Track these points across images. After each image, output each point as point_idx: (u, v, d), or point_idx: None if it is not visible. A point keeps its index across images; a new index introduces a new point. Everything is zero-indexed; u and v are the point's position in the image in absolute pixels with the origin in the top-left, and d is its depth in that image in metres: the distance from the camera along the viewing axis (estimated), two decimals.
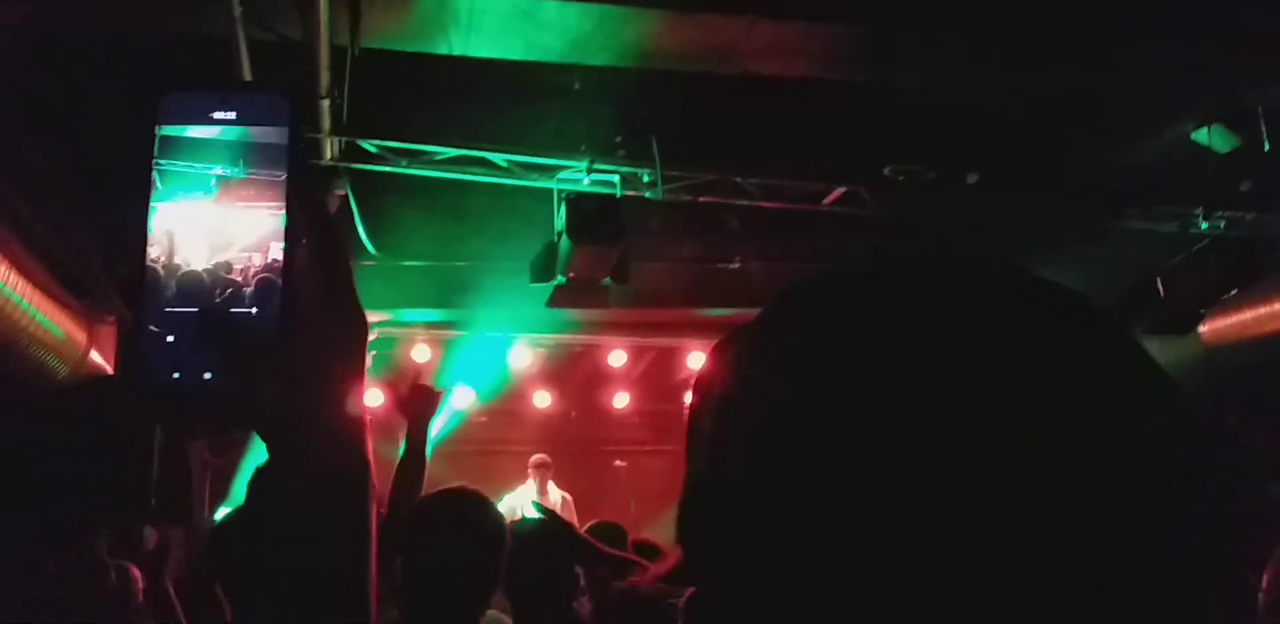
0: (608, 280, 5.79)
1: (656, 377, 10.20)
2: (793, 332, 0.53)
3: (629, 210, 6.02)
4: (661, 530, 10.02)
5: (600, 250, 5.45)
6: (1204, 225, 6.53)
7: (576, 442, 10.48)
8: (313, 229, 0.79)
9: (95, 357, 6.04)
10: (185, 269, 0.76)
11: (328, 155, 5.31)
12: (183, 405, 0.75)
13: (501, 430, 10.44)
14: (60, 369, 5.61)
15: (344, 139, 5.32)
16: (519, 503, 8.53)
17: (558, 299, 5.93)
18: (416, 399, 3.19)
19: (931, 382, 0.47)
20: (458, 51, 4.96)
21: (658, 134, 5.66)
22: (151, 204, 0.77)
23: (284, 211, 0.79)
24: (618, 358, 9.19)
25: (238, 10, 4.11)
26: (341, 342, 0.77)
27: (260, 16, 4.23)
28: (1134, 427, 0.48)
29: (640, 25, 4.81)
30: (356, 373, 0.77)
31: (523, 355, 8.98)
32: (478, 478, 10.10)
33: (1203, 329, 7.41)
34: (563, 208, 5.42)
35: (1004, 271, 0.54)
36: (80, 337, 5.78)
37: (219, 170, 0.81)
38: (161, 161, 0.79)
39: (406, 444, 3.19)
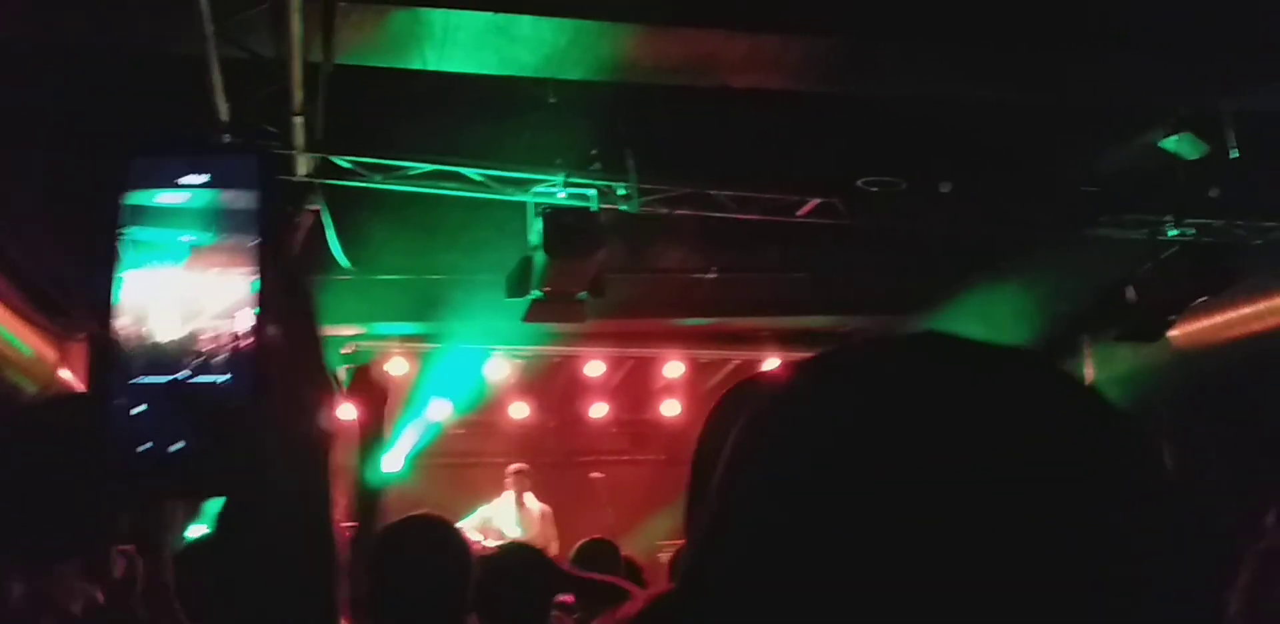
0: (584, 294, 5.78)
1: (635, 386, 10.20)
2: (822, 409, 0.56)
3: (604, 222, 6.02)
4: (640, 539, 10.03)
5: (576, 265, 5.44)
6: (1173, 232, 6.61)
7: (555, 452, 10.45)
8: (284, 293, 0.79)
9: (65, 374, 5.97)
10: (153, 340, 0.76)
11: (301, 171, 5.27)
12: (152, 476, 0.75)
13: (479, 442, 10.40)
14: (29, 386, 5.55)
15: (318, 155, 5.29)
16: (495, 514, 8.50)
17: (534, 314, 5.92)
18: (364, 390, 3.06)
19: (942, 463, 0.50)
20: (432, 66, 4.95)
21: (633, 147, 5.67)
22: (117, 275, 0.76)
23: (256, 277, 0.78)
24: (595, 368, 9.18)
25: (209, 28, 4.08)
26: (310, 405, 0.77)
27: (232, 34, 4.20)
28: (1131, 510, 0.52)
29: (615, 40, 4.82)
30: (325, 434, 0.77)
31: (499, 367, 8.95)
32: (455, 490, 10.05)
33: (1174, 333, 7.51)
34: (538, 222, 5.40)
35: (986, 354, 0.58)
36: (50, 354, 5.71)
37: (189, 237, 0.80)
38: (129, 230, 0.78)
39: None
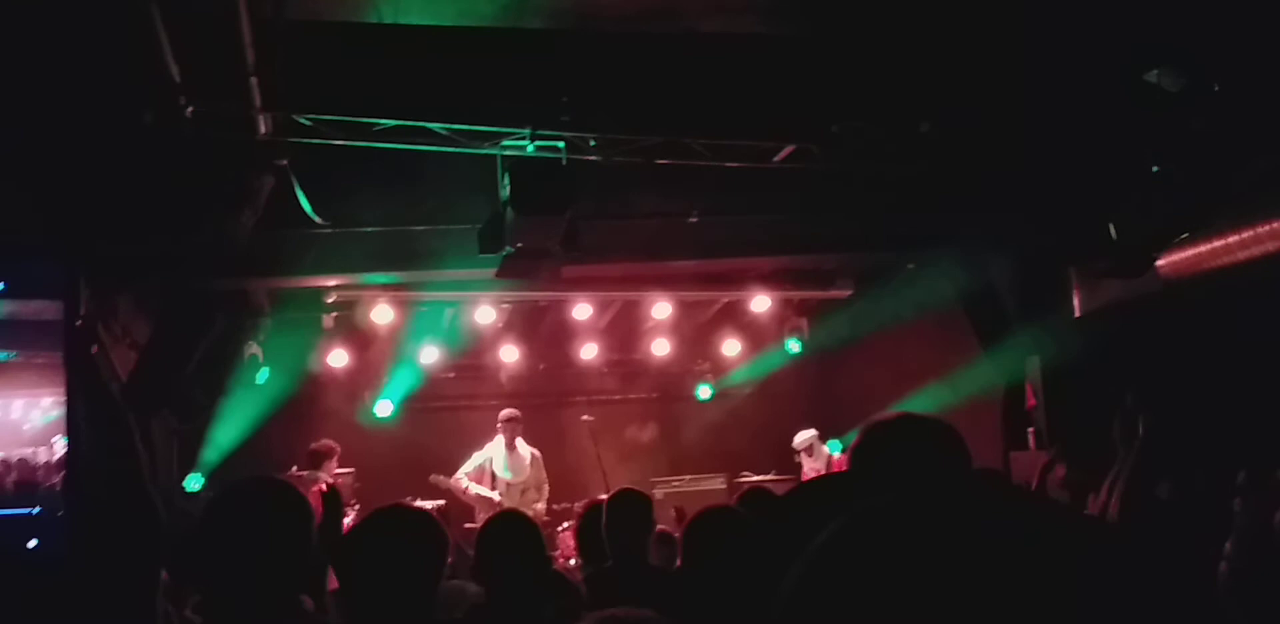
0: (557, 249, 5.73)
1: (623, 327, 10.22)
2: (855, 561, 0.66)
3: (581, 167, 5.93)
4: (632, 475, 10.20)
5: (547, 220, 5.38)
6: (1154, 167, 6.52)
7: (545, 394, 10.54)
8: (97, 418, 0.78)
9: None
10: None
11: (261, 130, 5.18)
12: None
13: (469, 386, 10.48)
14: None
15: (279, 113, 5.19)
16: (487, 459, 8.62)
17: (507, 269, 5.88)
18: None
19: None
20: (389, 20, 4.81)
21: (603, 97, 5.55)
22: None
23: (65, 401, 0.77)
24: (583, 311, 9.19)
25: None
26: (135, 533, 0.77)
27: None
28: None
29: None
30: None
31: (486, 312, 8.96)
32: (446, 434, 10.17)
33: (1161, 263, 7.48)
34: (507, 177, 5.32)
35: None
36: None
37: None
38: None
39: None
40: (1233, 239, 7.18)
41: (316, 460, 7.79)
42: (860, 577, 0.64)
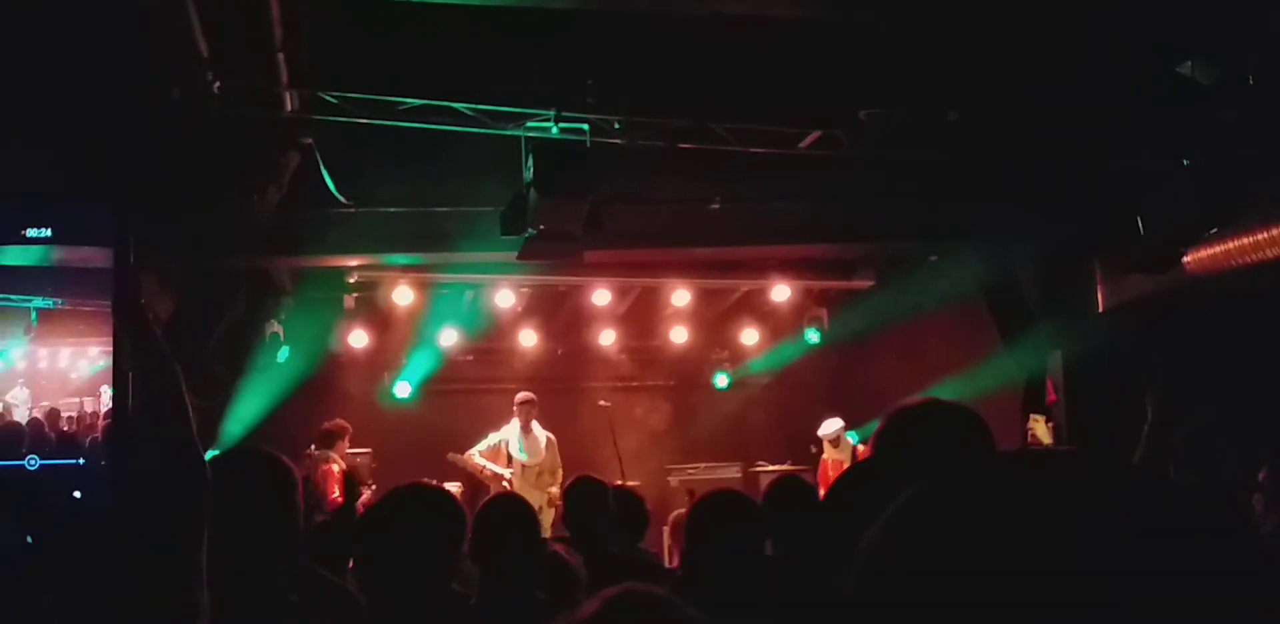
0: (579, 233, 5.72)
1: (641, 314, 10.22)
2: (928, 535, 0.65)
3: (604, 152, 5.92)
4: (649, 463, 10.19)
5: (570, 202, 5.36)
6: (1184, 161, 6.44)
7: (563, 379, 10.55)
8: (140, 364, 0.78)
9: None
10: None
11: (287, 107, 5.18)
12: None
13: (487, 369, 10.51)
14: None
15: (305, 91, 5.19)
16: (502, 441, 8.66)
17: (529, 251, 5.87)
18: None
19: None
20: None
21: (628, 80, 5.52)
22: None
23: (110, 351, 0.76)
24: (602, 297, 9.18)
25: None
26: (180, 487, 0.77)
27: None
28: None
29: None
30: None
31: (506, 296, 8.97)
32: (463, 416, 10.19)
33: (1186, 259, 7.40)
34: (530, 158, 5.31)
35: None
36: None
37: (34, 303, 0.78)
38: None
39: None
40: (1262, 236, 7.09)
41: (329, 440, 7.87)
42: (943, 541, 0.63)
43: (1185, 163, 6.44)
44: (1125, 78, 5.98)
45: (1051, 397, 7.88)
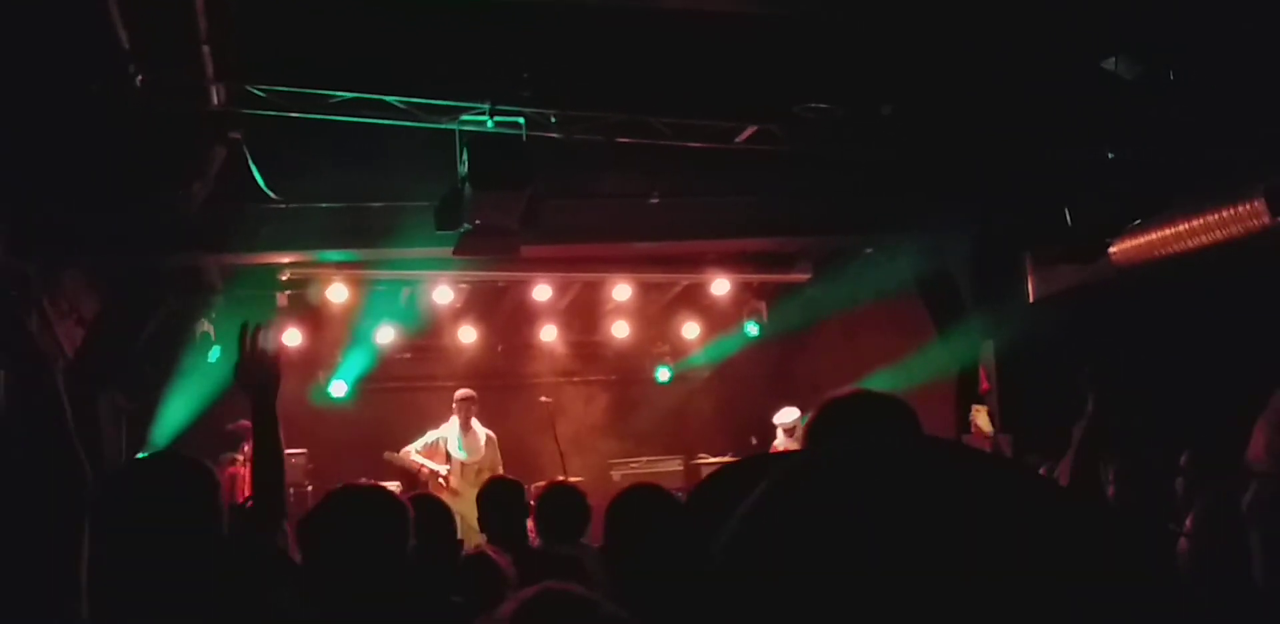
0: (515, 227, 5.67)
1: (583, 309, 10.19)
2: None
3: (541, 146, 5.87)
4: (592, 458, 10.17)
5: (506, 196, 5.31)
6: (1109, 154, 6.60)
7: (504, 376, 10.48)
8: (10, 364, 0.74)
9: None
10: None
11: (214, 101, 5.05)
12: None
13: (425, 367, 10.39)
14: None
15: (231, 84, 5.06)
16: (441, 438, 8.57)
17: (465, 246, 5.81)
18: (252, 367, 2.81)
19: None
20: None
21: (565, 73, 5.48)
22: None
23: None
24: (542, 292, 9.13)
25: None
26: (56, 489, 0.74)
27: None
28: None
29: None
30: None
31: (444, 292, 8.87)
32: (401, 414, 10.08)
33: (1114, 250, 7.60)
34: (465, 152, 5.24)
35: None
36: None
37: None
38: None
39: (255, 416, 2.79)
40: (1183, 227, 7.31)
41: (234, 442, 7.77)
42: (794, 528, 0.60)
43: (1110, 156, 6.61)
44: (1054, 72, 6.11)
45: (984, 385, 8.04)
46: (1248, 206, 6.15)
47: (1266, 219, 6.02)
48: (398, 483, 8.42)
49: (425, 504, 3.11)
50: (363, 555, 2.30)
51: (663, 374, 10.97)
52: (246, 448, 7.85)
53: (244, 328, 2.78)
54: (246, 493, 8.05)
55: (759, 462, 1.74)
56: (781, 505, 0.62)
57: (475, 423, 8.55)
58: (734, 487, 0.70)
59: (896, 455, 0.64)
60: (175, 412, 8.69)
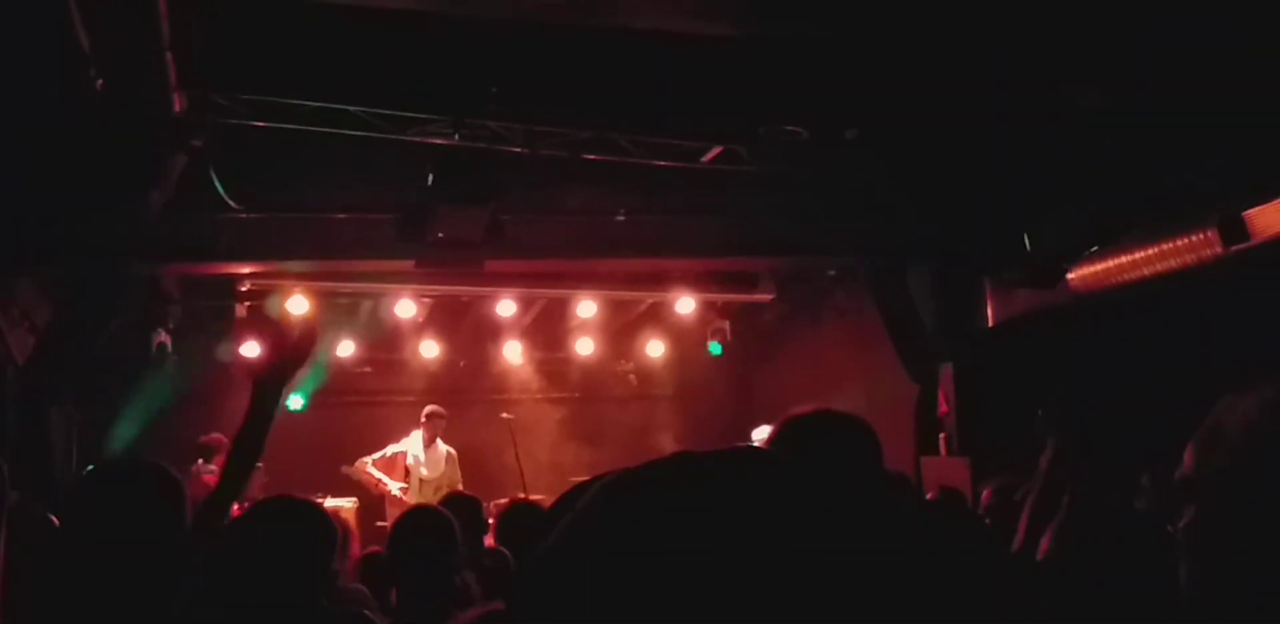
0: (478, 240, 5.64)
1: (547, 325, 10.15)
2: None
3: (508, 162, 5.86)
4: (553, 475, 10.12)
5: (470, 210, 5.29)
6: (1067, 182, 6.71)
7: (465, 391, 10.40)
8: None
9: None
10: None
11: (176, 108, 4.99)
12: None
13: (386, 381, 10.29)
14: None
15: (195, 92, 5.01)
16: (401, 452, 8.49)
17: (427, 259, 5.78)
18: (288, 355, 2.57)
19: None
20: None
21: (533, 89, 5.49)
22: None
23: None
24: (506, 307, 9.09)
25: None
26: None
27: None
28: None
29: None
30: None
31: (407, 306, 8.80)
32: (360, 429, 9.96)
33: (1071, 276, 7.72)
34: (430, 165, 5.22)
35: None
36: None
37: None
38: None
39: (260, 411, 2.57)
40: (1139, 255, 7.44)
41: (207, 454, 7.73)
42: (603, 537, 0.61)
43: (1068, 183, 6.72)
44: (1015, 100, 6.21)
45: (943, 407, 8.10)
46: (1201, 236, 6.27)
47: (1219, 249, 6.15)
48: (354, 499, 8.31)
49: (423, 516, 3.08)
50: (272, 565, 2.25)
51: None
52: (219, 459, 7.77)
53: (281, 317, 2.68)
54: None
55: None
56: (601, 509, 0.64)
57: (438, 440, 8.49)
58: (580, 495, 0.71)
59: (723, 460, 0.66)
60: (130, 423, 8.54)
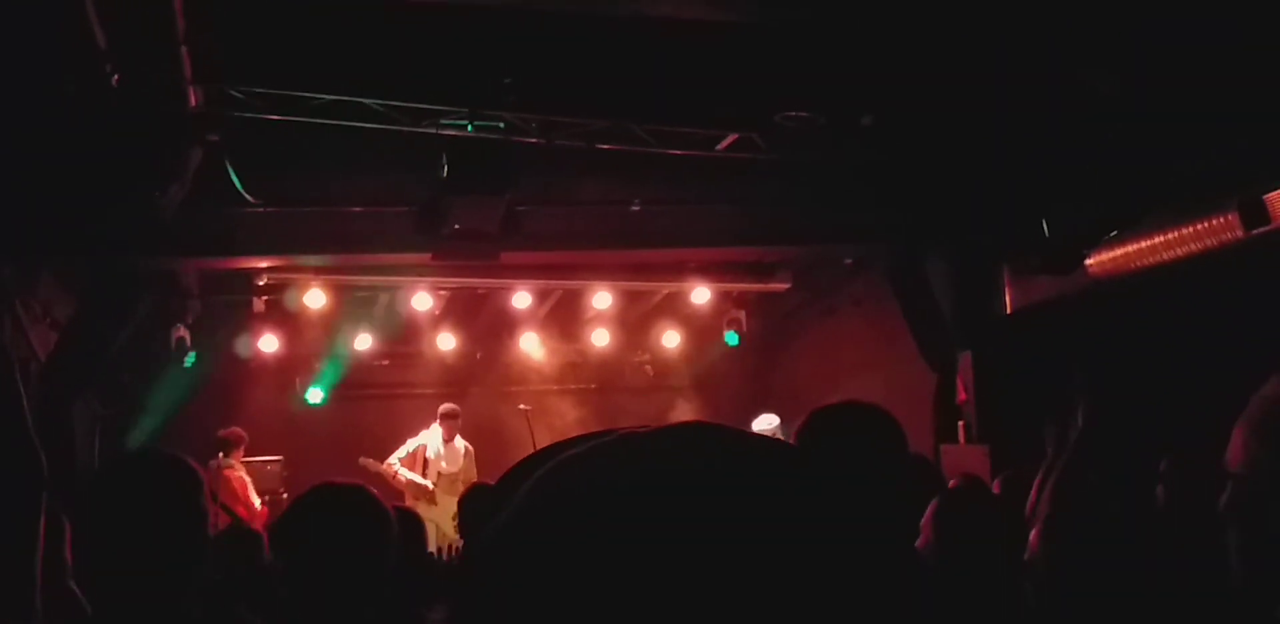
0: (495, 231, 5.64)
1: (563, 317, 10.16)
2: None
3: (523, 152, 5.85)
4: None
5: (486, 201, 5.29)
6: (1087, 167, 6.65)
7: (483, 384, 10.43)
8: None
9: None
10: None
11: (192, 102, 5.01)
12: None
13: (404, 374, 10.33)
14: None
15: (211, 86, 5.02)
16: (424, 443, 8.54)
17: (444, 251, 5.78)
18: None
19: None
20: None
21: (548, 78, 5.47)
22: None
23: None
24: (522, 299, 9.10)
25: None
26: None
27: None
28: None
29: None
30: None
31: (423, 299, 8.82)
32: (379, 422, 10.03)
33: (1090, 262, 7.66)
34: (445, 156, 5.21)
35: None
36: None
37: None
38: None
39: None
40: (1159, 239, 7.38)
41: (229, 448, 7.79)
42: (549, 515, 0.61)
43: (1087, 167, 6.66)
44: (1032, 84, 6.16)
45: (961, 395, 8.07)
46: (1221, 220, 6.21)
47: (1240, 232, 6.08)
48: (373, 488, 8.36)
49: (400, 517, 3.08)
50: (340, 560, 2.24)
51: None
52: (238, 453, 7.84)
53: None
54: (241, 495, 8.15)
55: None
56: (546, 483, 0.63)
57: (457, 437, 8.56)
58: (529, 470, 0.70)
59: (672, 435, 0.65)
60: (151, 418, 8.61)
